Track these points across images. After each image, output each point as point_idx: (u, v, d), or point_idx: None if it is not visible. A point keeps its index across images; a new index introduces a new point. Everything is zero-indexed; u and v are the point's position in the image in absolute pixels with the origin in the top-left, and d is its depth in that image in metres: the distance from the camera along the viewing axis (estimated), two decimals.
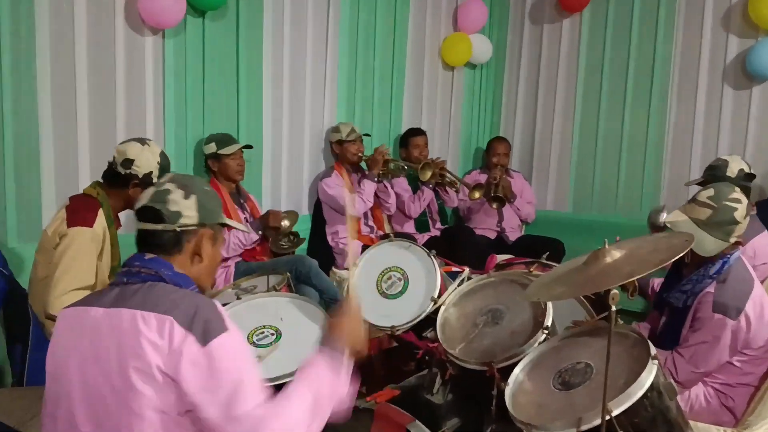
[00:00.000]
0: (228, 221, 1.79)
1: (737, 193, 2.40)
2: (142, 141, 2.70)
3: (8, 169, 3.11)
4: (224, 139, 3.79)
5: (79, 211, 2.57)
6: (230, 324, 1.52)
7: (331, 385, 1.60)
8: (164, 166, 2.71)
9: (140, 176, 2.63)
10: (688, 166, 4.88)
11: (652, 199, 5.00)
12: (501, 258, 4.12)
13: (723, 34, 4.74)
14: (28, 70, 3.13)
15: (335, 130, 4.52)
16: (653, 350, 1.61)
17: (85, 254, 2.51)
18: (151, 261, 1.61)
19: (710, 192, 2.40)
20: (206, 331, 1.46)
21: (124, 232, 2.84)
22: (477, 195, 4.77)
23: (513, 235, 5.18)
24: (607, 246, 1.41)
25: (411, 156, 4.87)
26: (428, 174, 4.59)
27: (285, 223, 3.83)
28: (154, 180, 2.67)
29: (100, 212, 2.59)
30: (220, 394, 1.44)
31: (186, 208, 1.65)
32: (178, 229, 1.63)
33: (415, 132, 4.96)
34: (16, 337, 2.47)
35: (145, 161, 2.65)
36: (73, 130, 3.36)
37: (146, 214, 1.64)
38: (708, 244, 2.35)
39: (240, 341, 1.55)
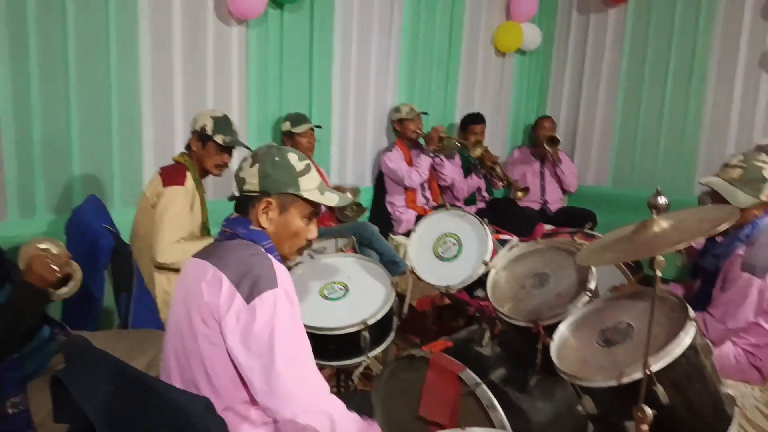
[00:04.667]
0: (305, 194, 1.61)
1: (764, 156, 2.42)
2: (211, 111, 2.82)
3: (115, 144, 3.20)
4: (297, 119, 3.80)
5: (172, 173, 2.68)
6: (284, 283, 1.45)
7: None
8: (220, 121, 2.76)
9: (196, 130, 2.76)
10: (724, 147, 4.67)
11: (688, 177, 4.81)
12: (547, 228, 4.05)
13: (761, 24, 4.50)
14: (132, 58, 3.20)
15: (396, 109, 4.49)
16: (692, 312, 1.54)
17: (182, 209, 2.62)
18: (232, 221, 1.60)
19: (740, 156, 2.44)
20: (253, 288, 1.41)
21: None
22: (520, 195, 4.74)
23: (554, 207, 5.08)
24: (655, 216, 1.35)
25: (468, 140, 4.81)
26: (478, 151, 4.54)
27: (348, 195, 3.89)
28: (209, 132, 2.73)
29: (188, 174, 2.69)
30: (255, 348, 1.39)
31: (249, 176, 1.59)
32: (238, 194, 1.61)
33: (476, 119, 4.84)
34: (122, 286, 2.55)
35: (201, 118, 2.76)
36: (170, 109, 3.43)
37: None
38: (741, 197, 2.33)
39: (286, 299, 1.45)
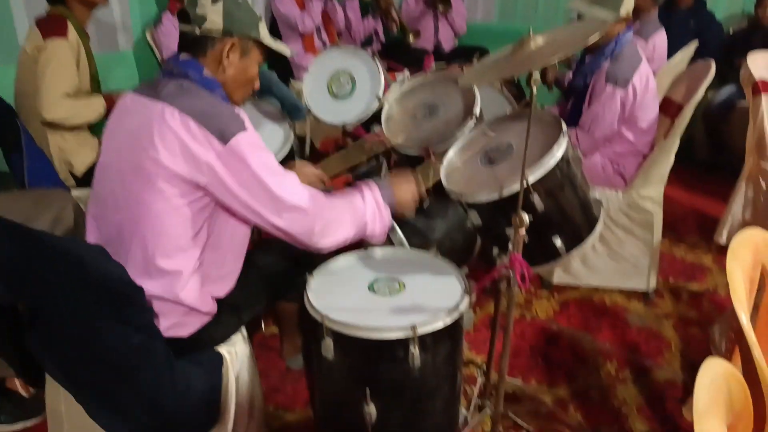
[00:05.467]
0: (265, 40, 1.48)
1: None
2: None
3: None
4: None
5: (51, 25, 2.34)
6: (249, 125, 1.36)
7: (370, 212, 1.55)
8: None
9: None
10: None
11: (566, 7, 4.78)
12: (438, 65, 3.99)
13: None
14: None
15: None
16: (564, 127, 1.57)
17: (66, 62, 2.33)
18: (184, 62, 1.42)
19: None
20: (225, 130, 1.30)
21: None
22: (412, 39, 4.59)
23: (447, 46, 4.96)
24: (531, 34, 1.31)
25: None
26: None
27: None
28: None
29: (69, 25, 2.35)
30: (258, 189, 1.33)
31: (212, 13, 1.41)
32: (198, 32, 1.41)
33: None
34: (11, 148, 2.31)
35: None
36: None
37: (181, 15, 1.44)
38: (602, 15, 2.28)
39: (258, 138, 1.38)
